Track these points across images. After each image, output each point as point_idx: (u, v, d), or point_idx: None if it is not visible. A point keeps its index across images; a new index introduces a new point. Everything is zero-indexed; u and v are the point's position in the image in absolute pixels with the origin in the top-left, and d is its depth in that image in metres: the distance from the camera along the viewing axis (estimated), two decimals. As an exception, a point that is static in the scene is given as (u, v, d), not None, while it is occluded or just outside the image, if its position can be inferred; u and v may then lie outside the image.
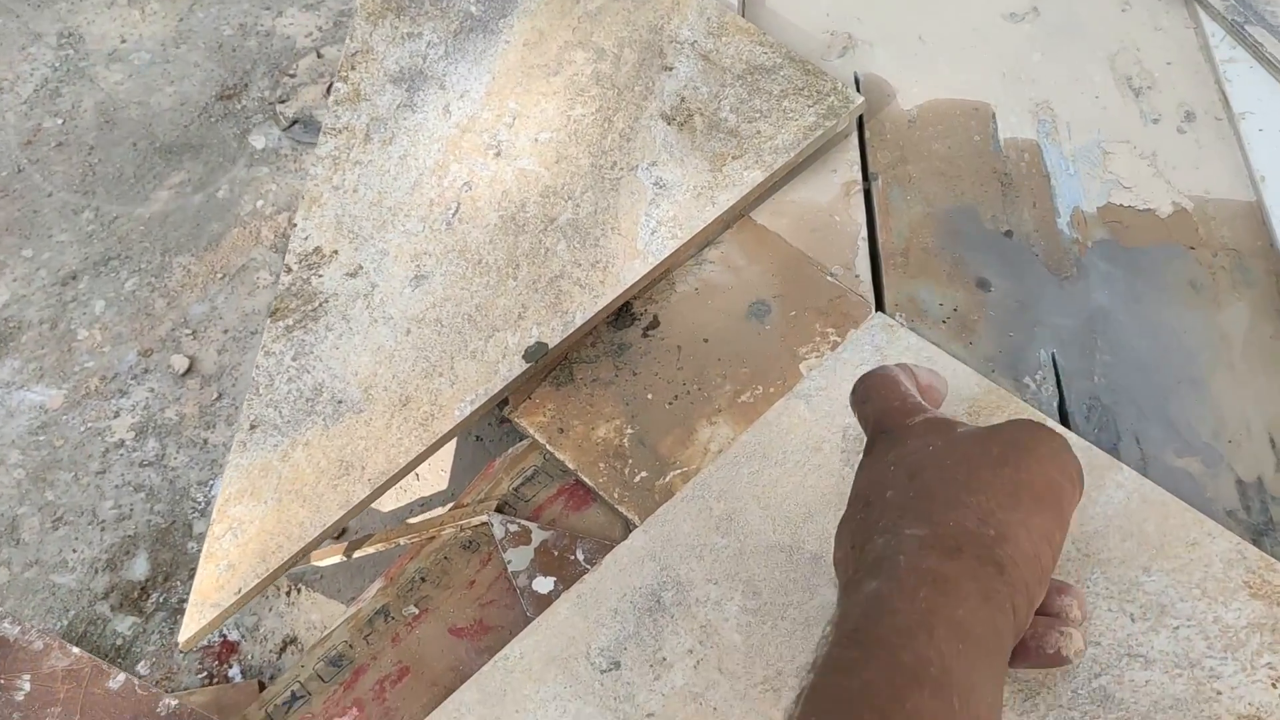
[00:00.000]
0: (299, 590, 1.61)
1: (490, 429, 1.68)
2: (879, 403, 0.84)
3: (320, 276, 1.49)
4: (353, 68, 1.69)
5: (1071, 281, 1.41)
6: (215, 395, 1.77)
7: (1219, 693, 1.07)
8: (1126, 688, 1.08)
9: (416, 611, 1.32)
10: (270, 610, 1.61)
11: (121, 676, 1.27)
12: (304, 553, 1.32)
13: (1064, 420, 1.29)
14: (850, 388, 1.29)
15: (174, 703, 1.25)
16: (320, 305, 1.46)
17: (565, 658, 1.19)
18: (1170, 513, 1.18)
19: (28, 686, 1.28)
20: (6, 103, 2.20)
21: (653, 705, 1.14)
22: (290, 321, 1.46)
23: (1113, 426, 1.28)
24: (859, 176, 1.53)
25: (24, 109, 2.19)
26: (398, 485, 1.66)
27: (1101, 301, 1.39)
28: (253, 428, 1.39)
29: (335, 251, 1.51)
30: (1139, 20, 1.66)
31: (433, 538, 1.40)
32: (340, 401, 1.39)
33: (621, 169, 1.50)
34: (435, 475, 1.67)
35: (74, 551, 1.55)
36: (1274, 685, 1.07)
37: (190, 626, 1.31)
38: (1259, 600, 1.11)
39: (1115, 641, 1.11)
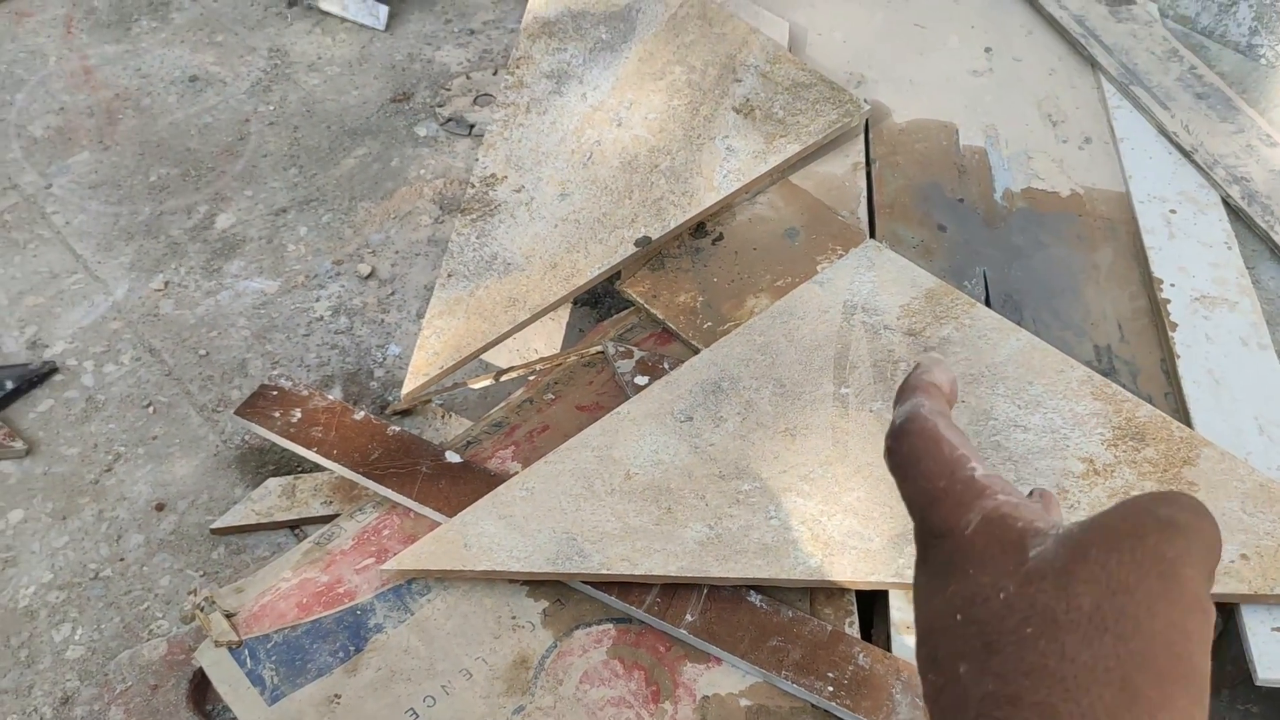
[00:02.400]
0: (450, 414, 2.14)
1: (589, 325, 2.23)
2: (923, 484, 0.53)
3: (495, 191, 2.06)
4: (518, 67, 2.29)
5: (1000, 231, 1.99)
6: (390, 291, 2.31)
7: (1068, 446, 1.62)
8: (1012, 441, 1.63)
9: (552, 397, 1.86)
10: (429, 427, 2.14)
11: (362, 413, 1.81)
12: (482, 350, 1.87)
13: (987, 304, 1.86)
14: (850, 283, 1.86)
15: (397, 428, 1.79)
16: (495, 208, 2.03)
17: (657, 414, 1.73)
18: (1050, 355, 1.74)
19: (299, 415, 1.82)
20: (230, 91, 2.80)
21: (714, 440, 1.68)
22: (474, 216, 2.03)
23: (1018, 311, 1.85)
24: (863, 160, 2.12)
25: (244, 97, 2.78)
26: (523, 356, 2.21)
27: (1019, 243, 1.96)
28: (449, 276, 1.95)
29: (505, 176, 2.08)
30: (1060, 80, 2.27)
31: (560, 364, 1.95)
32: (509, 264, 1.95)
33: (704, 138, 2.08)
34: (551, 351, 2.21)
35: (289, 378, 2.08)
36: (1101, 444, 1.62)
37: (408, 386, 1.85)
38: (1098, 401, 1.67)
39: (1007, 419, 1.66)
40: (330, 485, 1.88)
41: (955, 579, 0.51)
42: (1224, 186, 1.97)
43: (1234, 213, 1.96)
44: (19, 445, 2.06)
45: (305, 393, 1.84)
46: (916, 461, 0.54)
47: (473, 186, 2.06)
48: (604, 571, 1.52)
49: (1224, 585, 1.44)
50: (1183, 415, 1.67)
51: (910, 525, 1.51)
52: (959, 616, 0.49)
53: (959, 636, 0.49)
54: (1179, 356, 1.72)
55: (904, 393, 0.58)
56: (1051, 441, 1.61)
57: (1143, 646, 0.43)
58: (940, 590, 0.51)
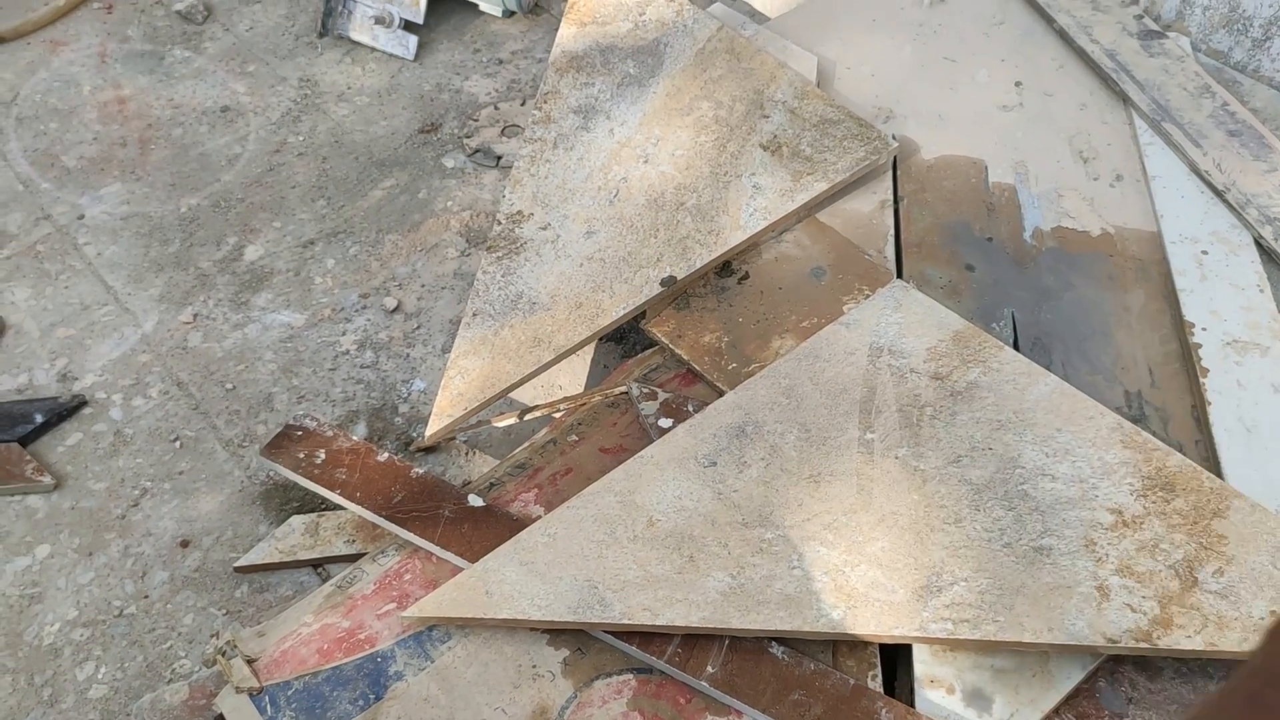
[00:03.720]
0: (474, 451, 2.14)
1: (614, 361, 2.22)
2: None
3: (521, 228, 2.06)
4: (545, 102, 2.29)
5: (1029, 271, 1.97)
6: (415, 326, 2.32)
7: (1096, 495, 1.59)
8: (1040, 491, 1.61)
9: (576, 438, 1.86)
10: (454, 464, 2.15)
11: (385, 454, 1.81)
12: (506, 391, 1.86)
13: (1015, 347, 1.84)
14: (876, 324, 1.84)
15: (420, 471, 1.79)
16: (521, 245, 2.03)
17: (681, 458, 1.72)
18: (1078, 400, 1.71)
19: (323, 456, 1.82)
20: (260, 123, 2.83)
21: (737, 486, 1.67)
22: (500, 254, 2.03)
23: (1047, 354, 1.83)
24: (891, 197, 2.10)
25: (273, 128, 2.81)
26: (547, 392, 2.20)
27: (1048, 284, 1.94)
28: (474, 315, 1.95)
29: (532, 214, 2.08)
30: (1091, 116, 2.24)
31: (584, 404, 1.94)
32: (534, 303, 1.95)
33: (731, 176, 2.08)
34: (575, 387, 2.21)
35: (314, 419, 2.07)
36: (1130, 494, 1.59)
37: (432, 427, 1.85)
38: (1128, 450, 1.64)
39: (1034, 467, 1.64)
40: (354, 523, 1.88)
41: None
42: (1256, 227, 1.94)
43: (1266, 254, 1.93)
44: (47, 480, 2.08)
45: (330, 433, 1.85)
46: None
47: (499, 224, 2.06)
48: (625, 621, 1.51)
49: (1252, 642, 1.41)
50: (1213, 464, 1.64)
51: (933, 577, 1.48)
52: None
53: None
54: (1210, 403, 1.70)
55: None
56: (1080, 491, 1.59)
57: None
58: None
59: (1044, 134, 2.19)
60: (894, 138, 2.13)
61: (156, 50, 3.06)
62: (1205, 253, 1.92)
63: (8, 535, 2.03)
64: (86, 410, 2.22)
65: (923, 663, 1.49)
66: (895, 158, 2.15)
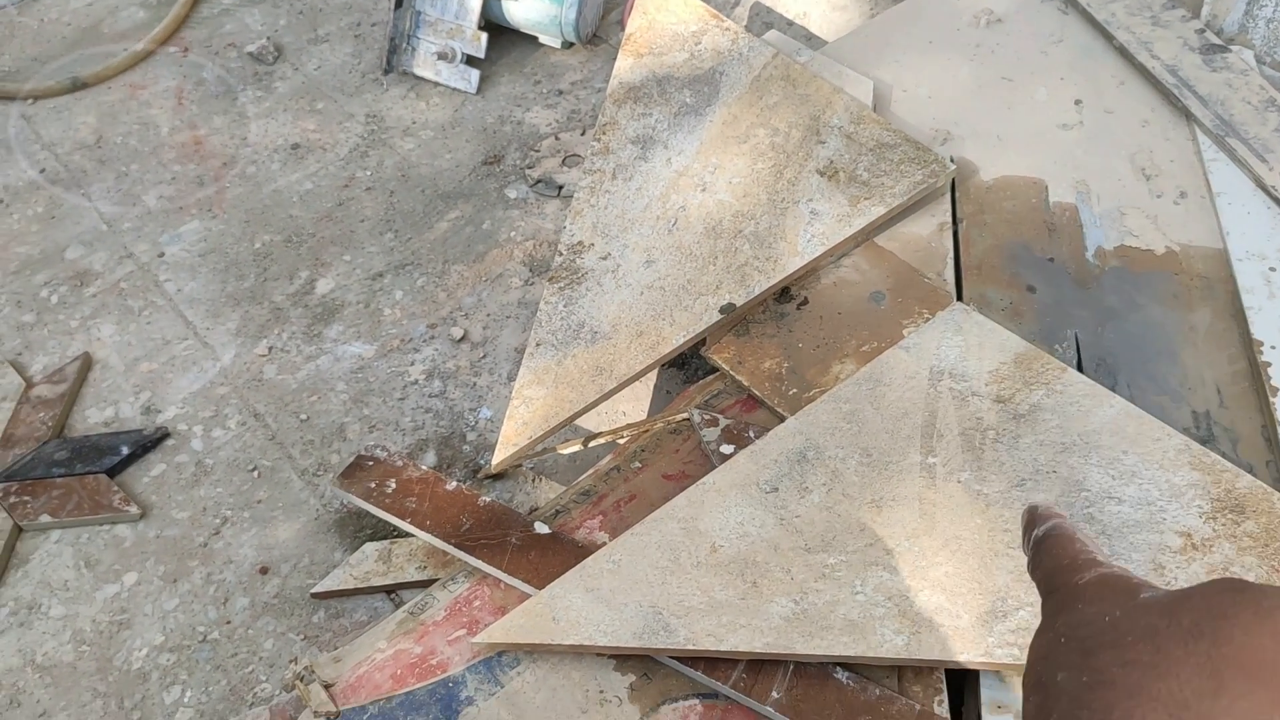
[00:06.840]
0: (540, 478, 2.18)
1: (676, 387, 2.25)
2: (1049, 561, 0.62)
3: (582, 258, 2.09)
4: (604, 133, 2.33)
5: (1091, 291, 1.95)
6: (481, 355, 2.37)
7: (1164, 519, 1.57)
8: (1106, 514, 1.59)
9: (639, 465, 1.88)
10: (521, 490, 2.18)
11: (454, 483, 1.84)
12: (570, 420, 1.89)
13: (1079, 369, 1.83)
14: (937, 348, 1.83)
15: (489, 498, 1.82)
16: (582, 276, 2.06)
17: (743, 484, 1.73)
18: (1145, 422, 1.69)
19: (394, 485, 1.86)
20: (330, 159, 2.91)
21: (799, 511, 1.67)
22: (562, 284, 2.06)
23: (1112, 376, 1.81)
24: (950, 220, 2.10)
25: (341, 164, 2.88)
26: (611, 418, 2.23)
27: (1112, 304, 1.92)
28: (538, 345, 1.98)
29: (592, 244, 2.11)
30: (1153, 132, 2.22)
31: (647, 430, 1.96)
32: (595, 332, 1.97)
33: (788, 202, 2.09)
34: (637, 413, 2.24)
35: (384, 449, 2.12)
36: (1200, 517, 1.57)
37: (498, 456, 1.88)
38: (1197, 471, 1.62)
39: (1101, 490, 1.62)
40: (425, 550, 1.92)
41: (1063, 615, 0.59)
42: (1327, 242, 1.90)
43: (1338, 269, 1.89)
44: (134, 509, 2.15)
45: (400, 463, 1.89)
46: (1050, 550, 0.64)
47: (560, 254, 2.09)
48: (690, 647, 1.53)
49: None
50: (1286, 485, 1.61)
51: (998, 602, 1.48)
52: (1063, 640, 0.57)
53: (1060, 653, 0.56)
54: (1281, 423, 1.67)
55: (1038, 519, 0.68)
56: (1147, 514, 1.57)
57: (1234, 652, 0.49)
58: (1048, 628, 0.59)
59: (1105, 152, 2.17)
60: (952, 160, 2.12)
61: (230, 91, 3.15)
62: (1273, 269, 1.88)
63: (98, 563, 2.10)
64: (169, 442, 2.29)
65: (990, 688, 1.49)
66: (954, 179, 2.14)
